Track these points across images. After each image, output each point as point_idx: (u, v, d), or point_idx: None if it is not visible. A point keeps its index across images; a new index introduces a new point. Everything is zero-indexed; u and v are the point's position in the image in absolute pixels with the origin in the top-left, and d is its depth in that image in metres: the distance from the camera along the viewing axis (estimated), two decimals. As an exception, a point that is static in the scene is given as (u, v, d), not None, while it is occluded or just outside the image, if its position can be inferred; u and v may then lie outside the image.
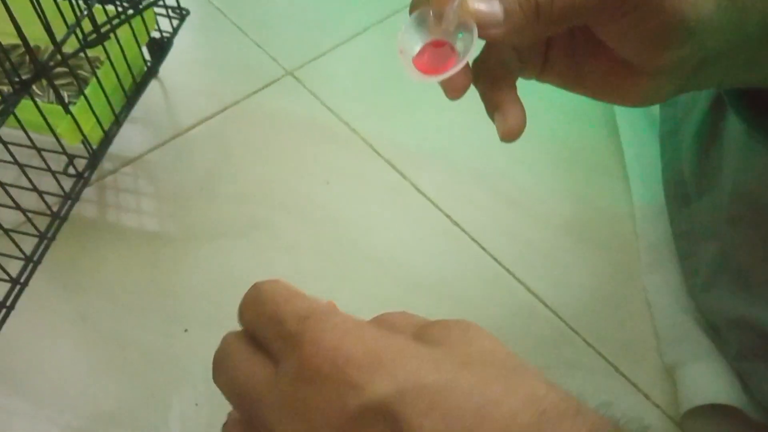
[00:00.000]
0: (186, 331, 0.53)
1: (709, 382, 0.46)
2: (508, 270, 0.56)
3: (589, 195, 0.60)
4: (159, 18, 0.61)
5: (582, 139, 0.65)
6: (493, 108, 0.31)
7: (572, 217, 0.59)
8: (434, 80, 0.29)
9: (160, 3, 0.57)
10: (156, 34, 0.62)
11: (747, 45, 0.30)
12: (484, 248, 0.57)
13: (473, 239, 0.57)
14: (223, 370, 0.25)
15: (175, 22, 0.63)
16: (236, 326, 0.26)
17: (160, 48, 0.62)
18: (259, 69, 0.71)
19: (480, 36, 0.29)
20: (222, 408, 0.44)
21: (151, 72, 0.61)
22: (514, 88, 0.32)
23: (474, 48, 0.29)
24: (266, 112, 0.67)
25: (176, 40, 0.63)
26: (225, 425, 0.26)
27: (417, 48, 0.30)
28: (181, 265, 0.57)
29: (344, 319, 0.22)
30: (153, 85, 0.67)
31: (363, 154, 0.64)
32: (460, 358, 0.21)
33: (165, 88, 0.69)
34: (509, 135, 0.30)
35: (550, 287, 0.55)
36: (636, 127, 0.62)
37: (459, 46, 0.29)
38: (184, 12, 0.62)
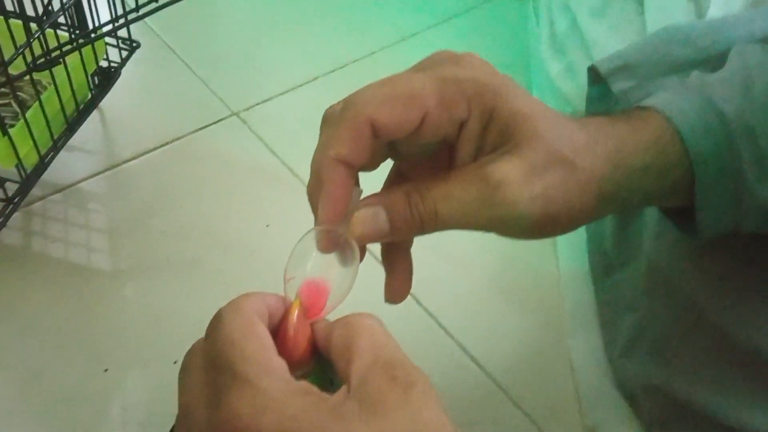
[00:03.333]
0: (106, 371, 0.51)
1: (627, 445, 0.48)
2: (440, 324, 0.57)
3: (519, 255, 0.62)
4: (108, 48, 0.60)
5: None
6: (384, 266, 0.34)
7: (502, 276, 0.61)
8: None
9: (112, 34, 0.56)
10: (104, 63, 0.61)
11: (632, 210, 0.34)
12: (418, 300, 0.58)
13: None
14: (181, 378, 0.26)
15: (124, 53, 0.62)
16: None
17: (106, 77, 0.61)
18: (204, 107, 0.71)
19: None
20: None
21: (96, 100, 0.59)
22: (407, 253, 0.34)
23: (357, 265, 0.31)
24: (209, 150, 0.67)
25: (122, 71, 0.63)
26: None
27: (303, 276, 0.30)
28: (107, 300, 0.54)
29: (270, 389, 0.23)
30: (93, 114, 0.65)
31: (305, 201, 0.63)
32: None
33: (105, 118, 0.67)
34: (390, 301, 0.34)
35: (479, 343, 0.56)
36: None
37: (340, 273, 0.31)
38: (134, 44, 0.62)
